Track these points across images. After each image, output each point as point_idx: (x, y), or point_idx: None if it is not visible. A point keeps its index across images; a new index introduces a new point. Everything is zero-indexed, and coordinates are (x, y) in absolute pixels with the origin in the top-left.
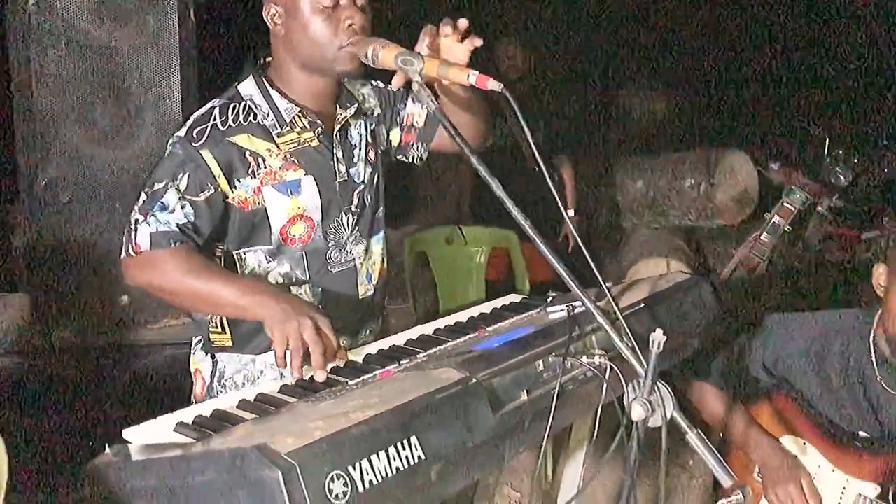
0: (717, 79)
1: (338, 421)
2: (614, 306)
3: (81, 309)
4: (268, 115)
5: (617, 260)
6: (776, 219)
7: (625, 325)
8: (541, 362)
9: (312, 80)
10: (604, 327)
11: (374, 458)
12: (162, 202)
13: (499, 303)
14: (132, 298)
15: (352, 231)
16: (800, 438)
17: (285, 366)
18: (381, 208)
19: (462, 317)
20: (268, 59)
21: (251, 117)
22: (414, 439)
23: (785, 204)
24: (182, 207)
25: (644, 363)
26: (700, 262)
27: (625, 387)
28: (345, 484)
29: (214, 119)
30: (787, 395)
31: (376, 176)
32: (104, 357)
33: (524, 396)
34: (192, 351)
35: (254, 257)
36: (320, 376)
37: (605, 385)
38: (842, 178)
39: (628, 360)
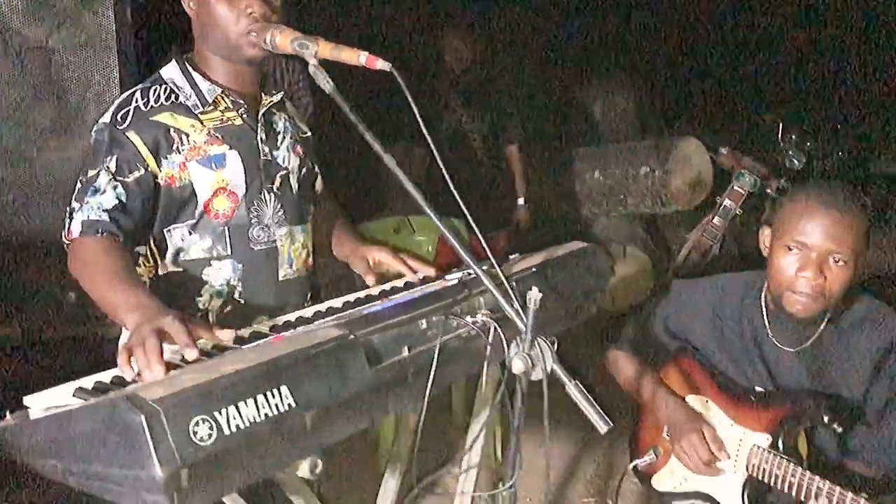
0: (672, 69)
1: (209, 374)
2: (499, 270)
3: (28, 306)
4: (190, 95)
5: None
6: (727, 202)
7: (508, 287)
8: (424, 321)
9: (230, 65)
10: (490, 289)
11: (241, 404)
12: (95, 186)
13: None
14: (79, 294)
15: (275, 212)
16: (703, 397)
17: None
18: (312, 206)
19: (376, 290)
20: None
21: (173, 98)
22: (284, 388)
23: (735, 188)
24: (114, 189)
25: (524, 320)
26: (663, 248)
27: (505, 344)
28: (210, 427)
29: (136, 101)
30: (691, 356)
31: (304, 170)
32: (53, 352)
33: (405, 352)
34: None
35: (178, 233)
36: (190, 353)
37: (488, 343)
38: (795, 161)
39: (512, 318)
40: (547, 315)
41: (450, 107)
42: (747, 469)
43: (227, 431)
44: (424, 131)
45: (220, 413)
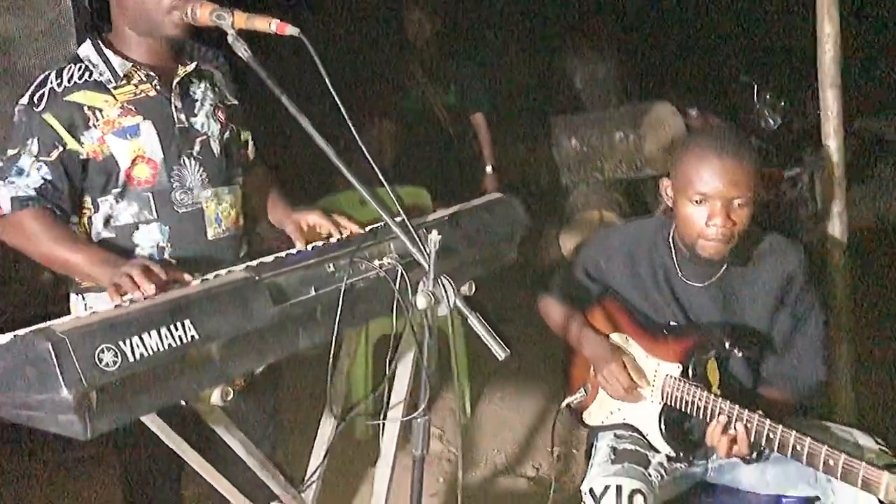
0: (647, 31)
1: (118, 310)
2: (405, 218)
3: (1, 287)
4: (103, 72)
5: (559, 217)
6: None
7: (413, 231)
8: (331, 264)
9: (145, 40)
10: (397, 235)
11: (145, 335)
12: (18, 167)
13: None
14: (54, 274)
15: (197, 175)
16: (623, 334)
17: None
18: (239, 169)
19: (309, 248)
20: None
21: (87, 76)
22: (188, 322)
23: None
24: (38, 170)
25: (427, 260)
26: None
27: (409, 285)
28: (115, 355)
29: (51, 83)
30: (612, 298)
31: (227, 135)
32: None
33: (312, 292)
34: (68, 294)
35: (106, 201)
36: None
37: (396, 283)
38: (770, 121)
39: (418, 260)
40: (462, 260)
41: (414, 79)
42: (662, 397)
43: (131, 359)
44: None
45: (124, 342)
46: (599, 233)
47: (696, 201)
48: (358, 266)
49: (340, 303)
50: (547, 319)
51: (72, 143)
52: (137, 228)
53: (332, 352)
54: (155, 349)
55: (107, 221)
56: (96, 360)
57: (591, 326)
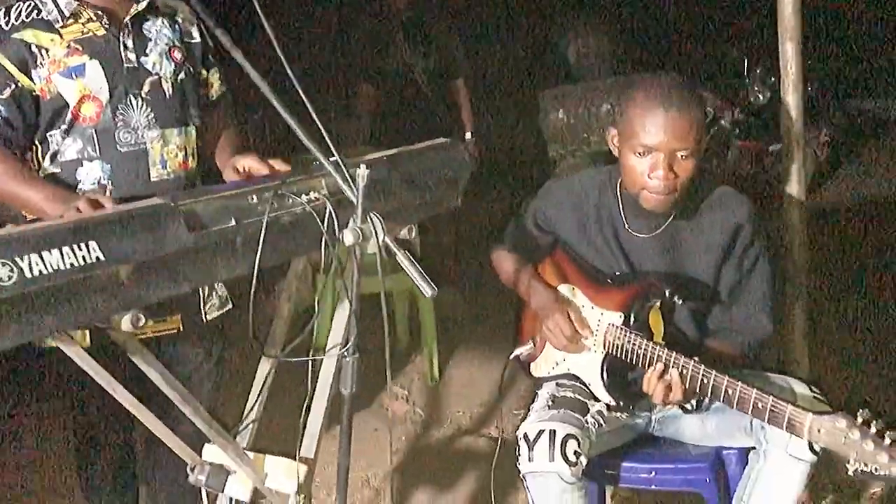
0: (638, 4)
1: (20, 227)
2: (335, 153)
3: None
4: (51, 10)
5: None
6: None
7: (343, 167)
8: (254, 196)
9: None
10: (329, 171)
11: (45, 253)
12: None
13: None
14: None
15: (143, 116)
16: (570, 285)
17: None
18: (194, 110)
19: None
20: None
21: (34, 14)
22: (93, 243)
23: None
24: None
25: (356, 194)
26: None
27: (336, 220)
28: (11, 270)
29: None
30: (562, 249)
31: (182, 75)
32: None
33: (232, 222)
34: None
35: (55, 137)
36: None
37: (325, 219)
38: (760, 96)
39: (349, 197)
40: (400, 203)
41: (394, 42)
42: (604, 346)
43: (28, 275)
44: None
45: (20, 258)
46: (549, 184)
47: (640, 153)
48: (284, 199)
49: (262, 235)
50: (498, 271)
51: (24, 80)
52: (81, 165)
53: (252, 287)
54: (55, 268)
55: (53, 156)
56: None
57: (539, 278)
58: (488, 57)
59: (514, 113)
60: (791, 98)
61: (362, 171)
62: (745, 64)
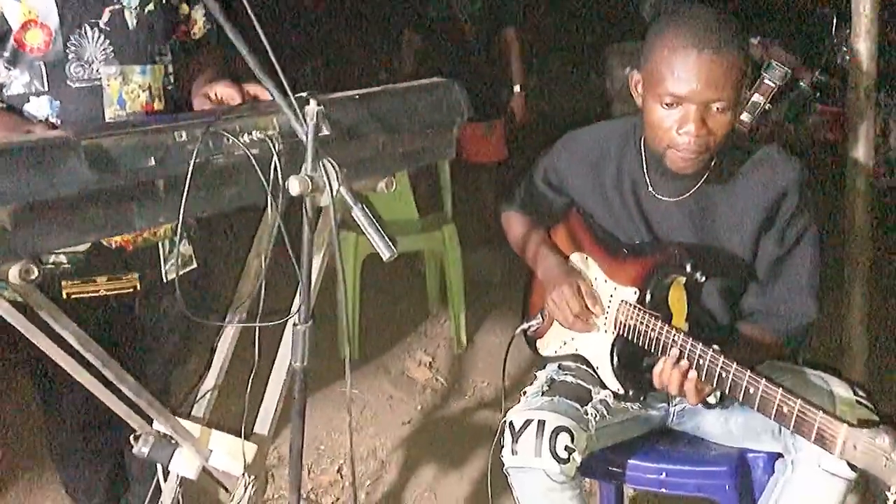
0: None
1: None
2: (286, 86)
3: None
4: None
5: None
6: (755, 97)
7: (293, 101)
8: (184, 133)
9: None
10: (280, 107)
11: None
12: None
13: None
14: None
15: (100, 48)
16: (584, 254)
17: None
18: (162, 47)
19: None
20: None
21: None
22: None
23: (765, 81)
24: None
25: (306, 136)
26: None
27: (280, 165)
28: None
29: None
30: (577, 213)
31: (149, 6)
32: None
33: (151, 162)
34: None
35: (0, 67)
36: None
37: (272, 163)
38: (847, 58)
39: (301, 139)
40: (376, 150)
41: None
42: (615, 326)
43: None
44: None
45: None
46: (568, 135)
47: (667, 104)
48: (220, 139)
49: (188, 179)
50: (507, 234)
51: None
52: (28, 100)
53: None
54: None
55: (0, 89)
56: None
57: (549, 244)
58: (544, 4)
59: (571, 68)
60: (862, 45)
61: (313, 108)
62: (833, 22)
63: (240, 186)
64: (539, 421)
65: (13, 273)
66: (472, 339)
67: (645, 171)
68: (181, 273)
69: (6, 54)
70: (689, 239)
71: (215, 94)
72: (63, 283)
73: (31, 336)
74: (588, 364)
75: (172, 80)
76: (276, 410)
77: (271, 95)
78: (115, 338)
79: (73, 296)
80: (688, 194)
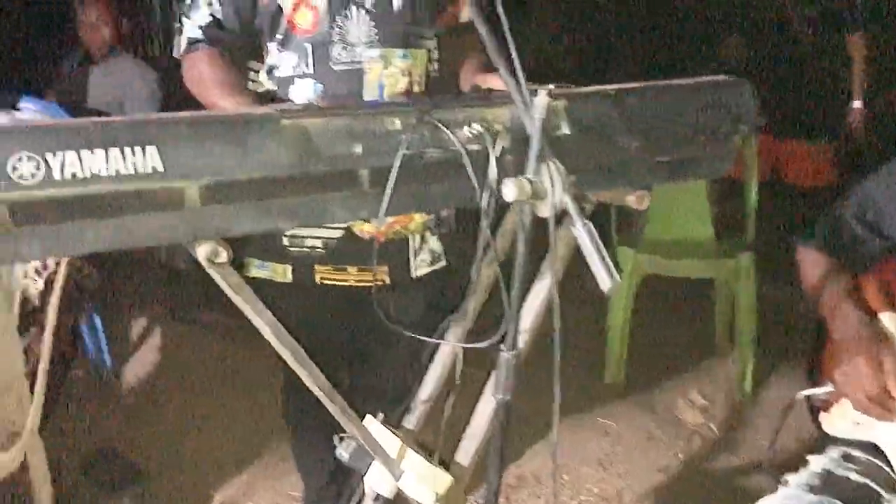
0: None
1: (67, 121)
2: (520, 74)
3: None
4: None
5: None
6: None
7: (524, 90)
8: (397, 120)
9: None
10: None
11: (84, 152)
12: (195, 3)
13: None
14: None
15: (363, 30)
16: None
17: None
18: (427, 31)
19: None
20: None
21: None
22: (151, 150)
23: None
24: (208, 5)
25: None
26: None
27: (492, 158)
28: (37, 167)
29: None
30: None
31: None
32: None
33: (358, 150)
34: None
35: (273, 49)
36: None
37: (488, 159)
38: None
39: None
40: (626, 156)
41: None
42: None
43: (57, 176)
44: None
45: (52, 155)
46: (892, 161)
47: None
48: (436, 129)
49: (394, 172)
50: (801, 276)
51: None
52: (293, 82)
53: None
54: (93, 172)
55: (270, 71)
56: (9, 168)
57: (852, 296)
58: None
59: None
60: None
61: (540, 100)
62: None
63: (451, 184)
64: None
65: (201, 254)
66: (759, 388)
67: None
68: (429, 270)
69: (279, 35)
70: None
71: (484, 84)
72: (316, 267)
73: (253, 317)
74: (885, 460)
75: (436, 67)
76: (482, 441)
77: (506, 80)
78: (357, 328)
79: (325, 282)
80: None
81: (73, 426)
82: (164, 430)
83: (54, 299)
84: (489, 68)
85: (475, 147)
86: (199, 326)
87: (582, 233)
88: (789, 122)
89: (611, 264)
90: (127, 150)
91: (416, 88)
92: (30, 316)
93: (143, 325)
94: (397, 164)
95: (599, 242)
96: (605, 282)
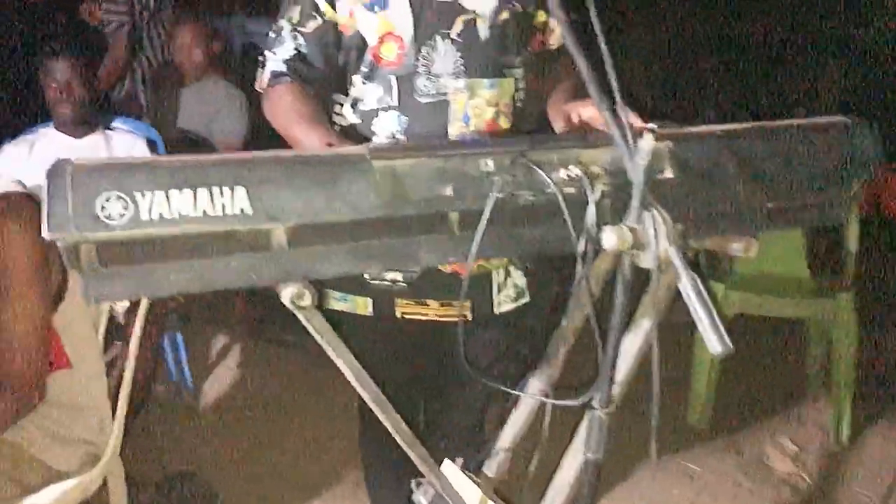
0: None
1: (161, 159)
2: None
3: None
4: None
5: None
6: None
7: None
8: (490, 161)
9: None
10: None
11: (173, 192)
12: (280, 37)
13: None
14: None
15: (450, 61)
16: None
17: None
18: (516, 59)
19: None
20: None
21: None
22: (240, 191)
23: None
24: (294, 39)
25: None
26: None
27: (591, 204)
28: (125, 207)
29: None
30: None
31: (503, 15)
32: None
33: (448, 191)
34: None
35: (357, 80)
36: None
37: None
38: None
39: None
40: (735, 200)
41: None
42: None
43: (144, 217)
44: None
45: (141, 195)
46: None
47: None
48: (531, 171)
49: (486, 216)
50: None
51: (330, 14)
52: (377, 115)
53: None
54: (181, 213)
55: (354, 104)
56: (97, 207)
57: None
58: None
59: None
60: None
61: (646, 143)
62: None
63: (545, 229)
64: None
65: (286, 296)
66: (857, 437)
67: None
68: (513, 307)
69: (364, 69)
70: None
71: (578, 116)
72: (397, 300)
73: (335, 359)
74: None
75: (522, 96)
76: (567, 498)
77: (608, 119)
78: (435, 364)
79: (406, 316)
80: None
81: (151, 445)
82: (242, 452)
83: (140, 319)
84: (580, 96)
85: (571, 190)
86: (279, 346)
87: (688, 288)
88: (890, 153)
89: (721, 326)
90: (216, 190)
91: (502, 119)
92: (115, 331)
93: (223, 344)
94: (489, 207)
95: (708, 300)
96: (714, 346)
